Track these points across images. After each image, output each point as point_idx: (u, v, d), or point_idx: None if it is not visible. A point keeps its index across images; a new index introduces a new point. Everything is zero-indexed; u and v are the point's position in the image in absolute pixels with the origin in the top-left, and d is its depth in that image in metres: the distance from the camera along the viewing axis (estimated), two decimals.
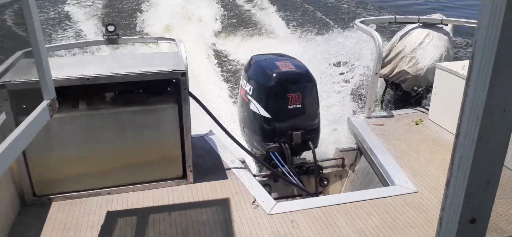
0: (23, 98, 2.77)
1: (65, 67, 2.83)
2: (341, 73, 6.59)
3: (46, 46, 3.87)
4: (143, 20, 11.70)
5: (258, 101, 3.60)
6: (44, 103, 1.81)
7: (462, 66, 3.73)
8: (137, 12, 12.46)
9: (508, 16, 0.71)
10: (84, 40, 7.75)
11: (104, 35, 3.46)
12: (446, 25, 4.35)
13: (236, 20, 12.31)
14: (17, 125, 2.64)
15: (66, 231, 2.58)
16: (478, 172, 0.85)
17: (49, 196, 2.84)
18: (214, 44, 10.35)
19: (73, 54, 6.89)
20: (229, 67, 8.92)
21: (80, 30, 10.79)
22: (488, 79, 0.76)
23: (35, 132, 1.71)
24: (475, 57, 0.79)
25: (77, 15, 12.03)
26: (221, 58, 9.52)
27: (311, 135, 3.68)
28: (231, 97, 7.17)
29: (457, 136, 0.86)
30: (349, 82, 6.20)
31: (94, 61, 3.06)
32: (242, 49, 9.61)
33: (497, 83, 0.76)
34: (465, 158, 0.85)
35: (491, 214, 0.93)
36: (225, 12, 12.88)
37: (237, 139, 3.36)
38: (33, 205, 2.81)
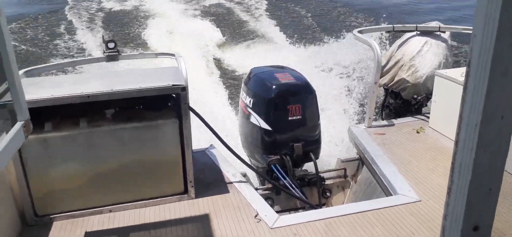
0: None
1: (65, 85, 2.84)
2: (342, 80, 6.61)
3: (47, 65, 3.90)
4: (143, 33, 11.88)
5: (259, 114, 3.60)
6: (18, 125, 1.80)
7: (461, 73, 3.74)
8: (137, 27, 12.63)
9: (503, 22, 0.71)
10: (84, 58, 7.80)
11: (104, 52, 3.48)
12: (444, 32, 4.37)
13: (236, 31, 12.44)
14: None
15: None
16: (479, 179, 0.84)
17: (51, 215, 2.83)
18: (214, 55, 10.42)
19: (73, 72, 6.95)
20: (230, 78, 8.96)
21: (83, 47, 10.93)
22: (485, 86, 0.76)
23: (11, 153, 1.71)
24: (471, 65, 0.79)
25: (79, 32, 12.21)
26: (221, 69, 9.57)
27: (312, 146, 3.67)
28: (232, 106, 7.17)
29: (456, 143, 0.86)
30: (349, 92, 6.22)
31: (94, 78, 3.07)
32: (243, 59, 9.67)
33: (494, 90, 0.76)
34: (465, 166, 0.84)
35: (495, 221, 0.92)
36: (224, 23, 13.04)
37: (238, 152, 3.35)
38: (35, 225, 2.80)
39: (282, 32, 11.86)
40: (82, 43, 11.18)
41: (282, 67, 4.14)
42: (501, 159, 0.84)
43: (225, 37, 11.67)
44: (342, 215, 2.82)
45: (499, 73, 0.75)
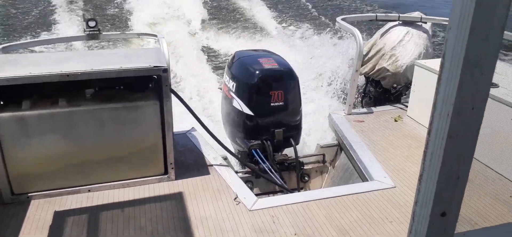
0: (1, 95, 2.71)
1: (44, 63, 2.78)
2: (324, 67, 6.67)
3: (26, 41, 3.80)
4: (127, 18, 11.61)
5: (241, 98, 3.60)
6: None
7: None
8: (121, 8, 12.34)
9: (476, 17, 0.74)
10: (64, 36, 7.60)
11: (85, 31, 3.41)
12: (426, 23, 4.44)
13: (223, 13, 12.29)
14: None
15: (45, 230, 2.54)
16: (448, 167, 0.88)
17: (28, 194, 2.80)
18: (199, 37, 10.30)
19: (52, 50, 6.76)
20: (215, 61, 8.88)
21: (61, 26, 10.62)
22: (458, 77, 0.79)
23: None
24: (446, 56, 0.82)
25: (61, 12, 11.85)
26: (207, 52, 9.48)
27: (293, 132, 3.71)
28: (216, 89, 7.14)
29: (429, 132, 0.89)
30: (330, 79, 6.27)
31: (74, 57, 3.01)
32: (229, 42, 9.59)
33: (466, 82, 0.79)
34: (436, 154, 0.88)
35: (463, 207, 0.97)
36: (211, 4, 12.86)
37: (219, 135, 3.35)
38: (11, 203, 2.76)
39: (271, 18, 11.78)
40: (58, 23, 10.86)
41: (266, 52, 4.15)
42: (470, 148, 0.88)
43: (210, 19, 11.54)
44: (319, 199, 2.89)
45: (472, 65, 0.78)
